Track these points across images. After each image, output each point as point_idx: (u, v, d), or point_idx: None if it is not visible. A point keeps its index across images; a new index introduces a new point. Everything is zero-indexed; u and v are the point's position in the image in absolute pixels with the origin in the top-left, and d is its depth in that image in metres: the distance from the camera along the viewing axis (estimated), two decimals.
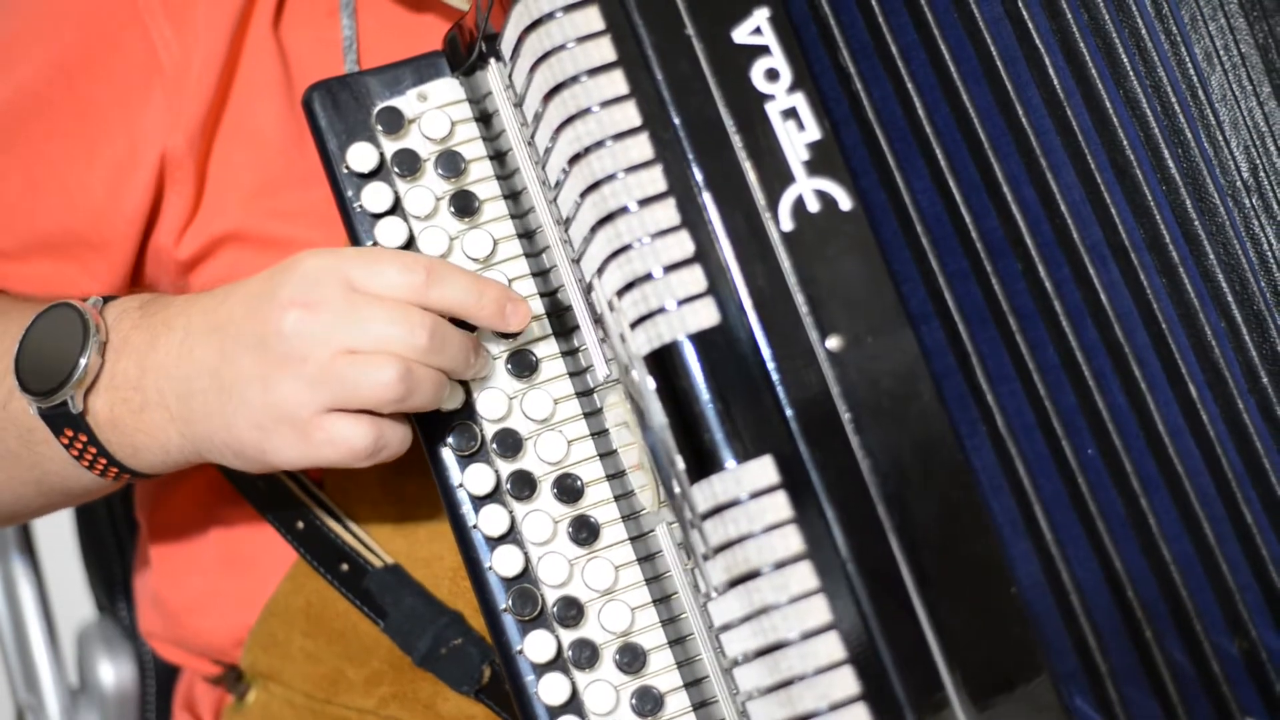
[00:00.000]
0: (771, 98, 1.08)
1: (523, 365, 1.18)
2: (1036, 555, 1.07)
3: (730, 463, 1.04)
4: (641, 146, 1.07)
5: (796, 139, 1.07)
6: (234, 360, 1.13)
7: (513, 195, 1.20)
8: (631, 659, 1.15)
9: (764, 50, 1.08)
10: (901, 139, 1.12)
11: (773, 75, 1.08)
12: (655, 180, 1.06)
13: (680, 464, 1.06)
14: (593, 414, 1.18)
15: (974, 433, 1.07)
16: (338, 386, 1.10)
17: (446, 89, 1.21)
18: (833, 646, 1.03)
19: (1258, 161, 1.17)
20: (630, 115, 1.07)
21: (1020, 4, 1.16)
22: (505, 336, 1.18)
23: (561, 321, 1.19)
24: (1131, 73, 1.16)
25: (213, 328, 1.15)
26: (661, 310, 1.06)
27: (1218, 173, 1.17)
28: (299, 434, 1.12)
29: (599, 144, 1.07)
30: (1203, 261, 1.16)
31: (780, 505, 1.04)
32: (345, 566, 1.30)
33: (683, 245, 1.06)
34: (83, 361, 1.17)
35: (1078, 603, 1.07)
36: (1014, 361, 1.10)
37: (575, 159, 1.08)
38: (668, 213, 1.06)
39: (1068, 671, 1.06)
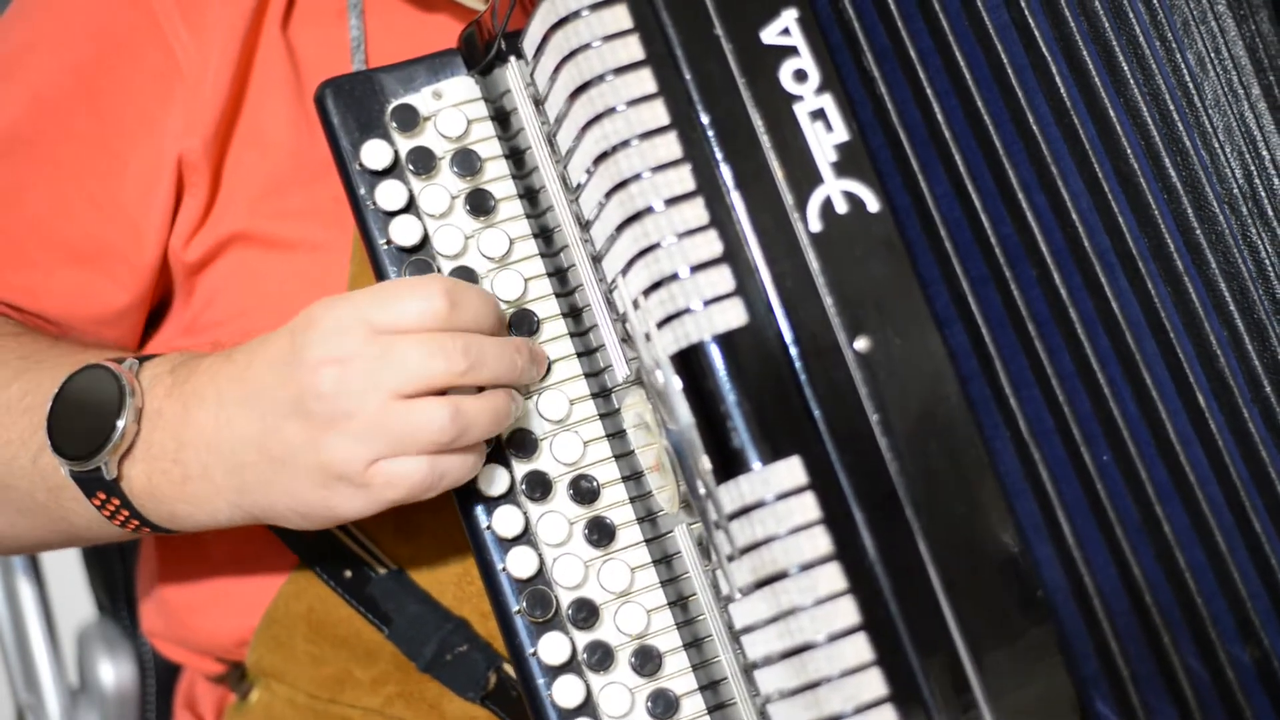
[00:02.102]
0: (800, 98, 1.07)
1: None
2: (1059, 559, 1.07)
3: (757, 464, 1.04)
4: (670, 145, 1.06)
5: (824, 140, 1.07)
6: (277, 430, 1.11)
7: (529, 194, 1.19)
8: (646, 661, 1.14)
9: (792, 51, 1.08)
10: (922, 143, 1.12)
11: (801, 76, 1.08)
12: (683, 179, 1.06)
13: (706, 465, 1.05)
14: (609, 415, 1.17)
15: (997, 436, 1.07)
16: (391, 438, 1.09)
17: (462, 87, 1.21)
18: (860, 648, 1.02)
19: (1251, 167, 1.18)
20: (658, 114, 1.06)
21: (1026, 12, 1.16)
22: None
23: (578, 321, 1.18)
24: (1131, 80, 1.17)
25: (244, 398, 1.13)
26: (688, 310, 1.05)
27: (1215, 180, 1.18)
28: (358, 487, 1.11)
29: (625, 143, 1.07)
30: (1204, 270, 1.16)
31: (808, 506, 1.03)
32: (348, 573, 1.28)
33: (711, 245, 1.05)
34: (120, 425, 1.15)
35: (1099, 607, 1.07)
36: (1033, 367, 1.10)
37: (601, 158, 1.07)
38: (696, 212, 1.06)
39: (1089, 675, 1.06)
